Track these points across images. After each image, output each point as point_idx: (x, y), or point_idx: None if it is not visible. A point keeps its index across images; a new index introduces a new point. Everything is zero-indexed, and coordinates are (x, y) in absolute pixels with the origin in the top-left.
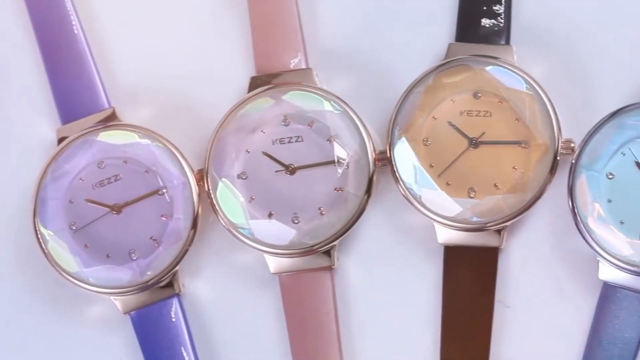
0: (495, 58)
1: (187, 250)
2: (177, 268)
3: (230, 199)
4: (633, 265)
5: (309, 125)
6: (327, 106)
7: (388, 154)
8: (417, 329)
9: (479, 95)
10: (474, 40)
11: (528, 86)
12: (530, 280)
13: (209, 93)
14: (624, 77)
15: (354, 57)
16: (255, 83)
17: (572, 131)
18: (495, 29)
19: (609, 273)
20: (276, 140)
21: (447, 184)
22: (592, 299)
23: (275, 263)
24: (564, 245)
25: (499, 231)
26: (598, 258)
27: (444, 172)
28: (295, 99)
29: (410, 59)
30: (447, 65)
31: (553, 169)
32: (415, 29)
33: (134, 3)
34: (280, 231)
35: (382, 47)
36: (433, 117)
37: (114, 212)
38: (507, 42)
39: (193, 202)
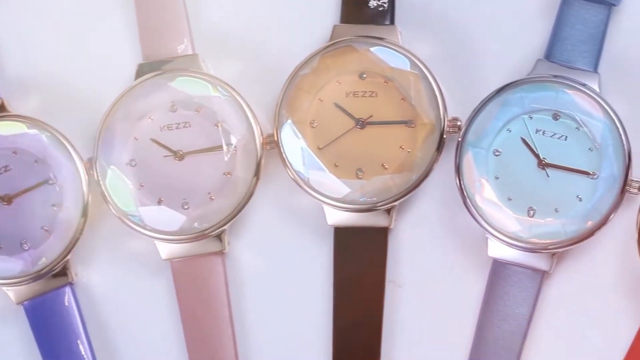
0: (381, 39)
1: (77, 239)
2: (68, 257)
3: (119, 186)
4: (521, 241)
5: (196, 110)
6: (213, 92)
7: (275, 138)
8: (310, 311)
9: (365, 76)
10: (359, 22)
11: (413, 66)
12: (421, 259)
13: (97, 82)
14: (509, 53)
15: (241, 42)
16: (142, 70)
17: (459, 109)
18: (380, 9)
19: (498, 250)
20: (164, 126)
21: (335, 165)
22: (483, 276)
23: (166, 249)
24: (453, 223)
25: (388, 211)
26: (487, 235)
27: (330, 153)
28: (182, 85)
29: (298, 42)
30: (331, 47)
31: (440, 148)
32: (302, 12)
33: None
34: (170, 217)
35: (270, 31)
36: (319, 99)
37: (5, 203)
38: (392, 23)
39: (82, 191)
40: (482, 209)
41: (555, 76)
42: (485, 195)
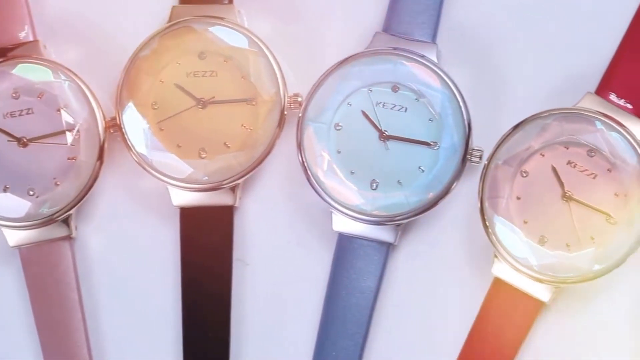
0: (220, 18)
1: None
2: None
3: None
4: (364, 214)
5: (38, 97)
6: (54, 77)
7: (118, 121)
8: (159, 291)
9: (204, 55)
10: (198, 2)
11: (251, 44)
12: (267, 236)
13: None
14: (349, 28)
15: (83, 25)
16: None
17: (303, 86)
18: None
19: (342, 224)
20: (7, 113)
21: (178, 146)
22: (330, 251)
23: (14, 236)
24: (298, 199)
25: (232, 189)
26: (331, 210)
27: (172, 133)
28: (24, 72)
29: (141, 24)
30: (170, 28)
31: (281, 124)
32: None
33: None
34: (16, 204)
35: (112, 14)
36: (160, 81)
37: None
38: (231, 2)
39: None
40: (325, 184)
41: (394, 48)
42: (328, 170)
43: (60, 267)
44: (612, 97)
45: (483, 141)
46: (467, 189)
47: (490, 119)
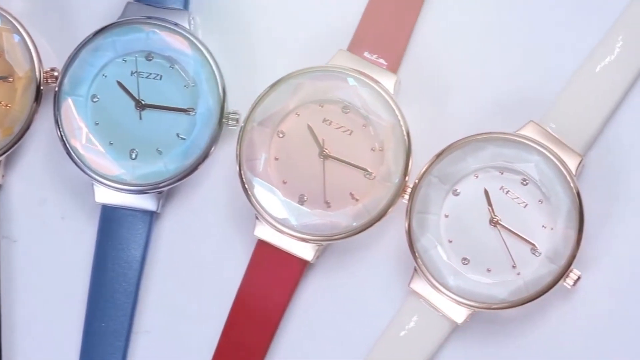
0: None
1: None
2: None
3: None
4: (125, 184)
5: None
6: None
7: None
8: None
9: None
10: None
11: (5, 21)
12: (33, 212)
13: None
14: (101, 0)
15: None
16: None
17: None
18: None
19: (105, 195)
20: None
21: None
22: (96, 223)
23: None
24: (61, 173)
25: None
26: (92, 182)
27: None
28: None
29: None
30: None
31: (38, 99)
32: None
33: None
34: None
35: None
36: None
37: None
38: None
39: None
40: (85, 157)
41: (148, 17)
42: (86, 142)
43: None
44: (366, 54)
45: (246, 105)
46: (227, 153)
47: (251, 83)
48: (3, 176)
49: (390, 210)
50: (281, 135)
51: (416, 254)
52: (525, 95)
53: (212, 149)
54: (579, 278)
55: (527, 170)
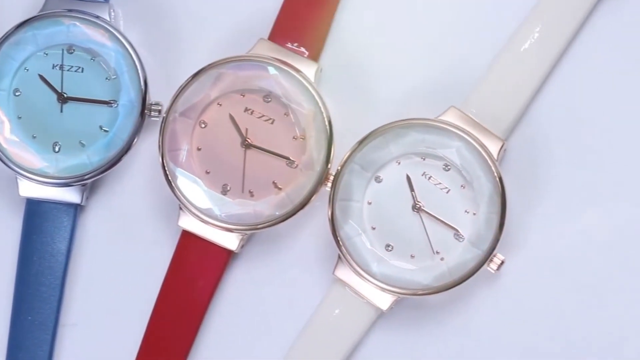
0: None
1: None
2: None
3: None
4: (48, 177)
5: None
6: None
7: None
8: None
9: None
10: None
11: None
12: None
13: None
14: None
15: None
16: None
17: None
18: None
19: (29, 189)
20: None
21: None
22: (20, 217)
23: None
24: None
25: None
26: (16, 176)
27: None
28: None
29: None
30: None
31: None
32: None
33: None
34: None
35: None
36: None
37: None
38: None
39: None
40: (8, 151)
41: (69, 10)
42: (9, 136)
43: None
44: (287, 43)
45: (169, 96)
46: (150, 145)
47: (174, 74)
48: None
49: (313, 198)
50: (203, 125)
51: (339, 242)
52: (447, 81)
53: (135, 140)
54: (502, 262)
55: (449, 156)
